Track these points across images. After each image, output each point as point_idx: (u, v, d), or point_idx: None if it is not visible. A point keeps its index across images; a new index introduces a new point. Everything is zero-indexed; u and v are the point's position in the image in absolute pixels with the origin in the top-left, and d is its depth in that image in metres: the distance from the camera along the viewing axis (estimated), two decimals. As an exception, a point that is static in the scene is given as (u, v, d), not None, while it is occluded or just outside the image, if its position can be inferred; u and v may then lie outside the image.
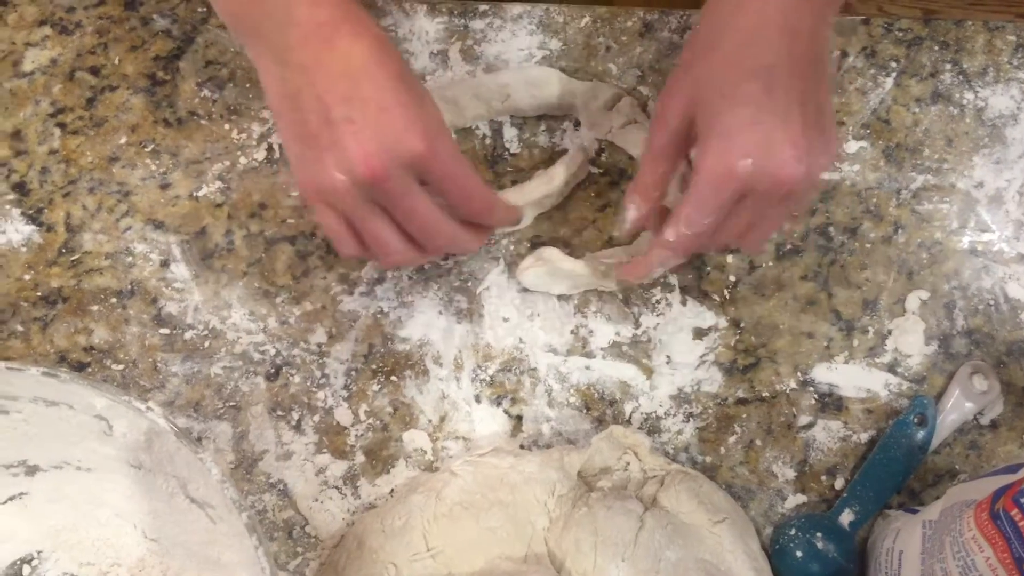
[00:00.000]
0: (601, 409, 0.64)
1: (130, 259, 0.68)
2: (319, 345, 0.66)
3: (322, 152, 0.52)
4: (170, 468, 0.55)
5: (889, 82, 0.70)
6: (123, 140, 0.70)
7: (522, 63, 0.71)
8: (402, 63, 0.54)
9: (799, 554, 0.59)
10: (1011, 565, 0.44)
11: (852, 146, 0.68)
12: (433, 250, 0.58)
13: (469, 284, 0.67)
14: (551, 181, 0.66)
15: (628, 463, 0.61)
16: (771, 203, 0.53)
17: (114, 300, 0.67)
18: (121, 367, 0.65)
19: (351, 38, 0.52)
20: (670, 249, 0.55)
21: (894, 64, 0.70)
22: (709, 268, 0.66)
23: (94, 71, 0.72)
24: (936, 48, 0.71)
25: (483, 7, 0.72)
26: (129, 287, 0.67)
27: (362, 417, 0.64)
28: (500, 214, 0.60)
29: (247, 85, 0.72)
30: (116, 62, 0.73)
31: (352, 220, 0.55)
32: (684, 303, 0.66)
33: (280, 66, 0.53)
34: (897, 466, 0.61)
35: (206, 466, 0.50)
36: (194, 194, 0.69)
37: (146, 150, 0.70)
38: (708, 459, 0.63)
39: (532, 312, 0.66)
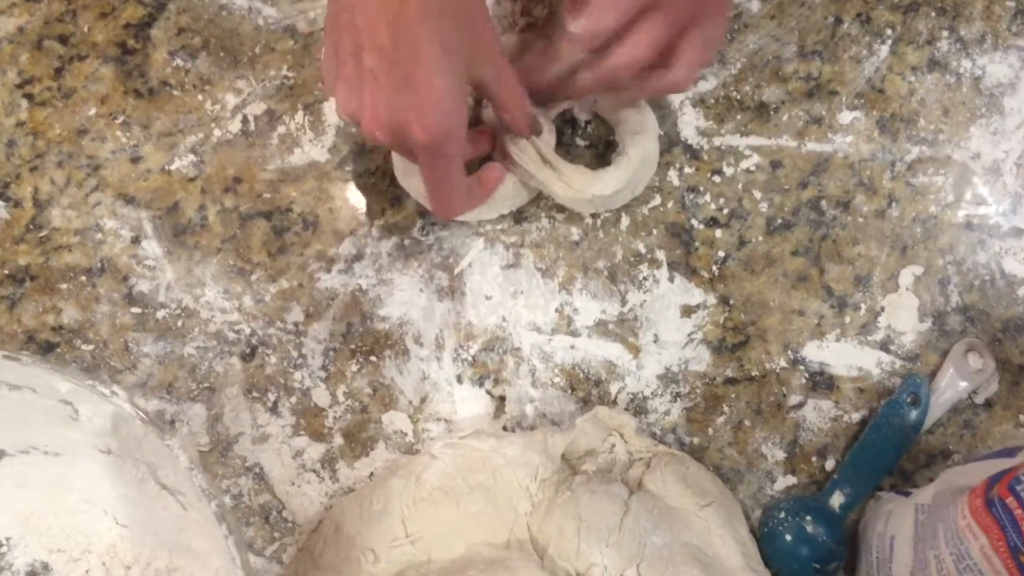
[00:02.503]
0: (586, 389, 0.63)
1: (100, 235, 0.66)
2: (296, 324, 0.64)
3: (339, 79, 0.52)
4: (139, 453, 0.53)
5: (884, 50, 0.68)
6: (92, 112, 0.68)
7: (506, 31, 0.69)
8: (456, 18, 0.50)
9: (788, 538, 0.57)
10: (1006, 554, 0.43)
11: (845, 116, 0.66)
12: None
13: (451, 261, 0.65)
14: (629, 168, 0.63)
15: (613, 445, 0.60)
16: (682, 14, 0.53)
17: (83, 278, 0.65)
18: (91, 347, 0.63)
19: None
20: (575, 41, 0.54)
21: (889, 31, 0.68)
22: (697, 244, 0.64)
23: (62, 39, 0.70)
24: (933, 14, 0.68)
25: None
26: (99, 264, 0.65)
27: (340, 398, 0.63)
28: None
29: (221, 54, 0.69)
30: (85, 30, 0.70)
31: None
32: (672, 280, 0.64)
33: None
34: (889, 447, 0.60)
35: (174, 453, 0.48)
36: (166, 168, 0.67)
37: (116, 122, 0.68)
38: (696, 440, 0.62)
39: (515, 290, 0.64)
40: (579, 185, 0.62)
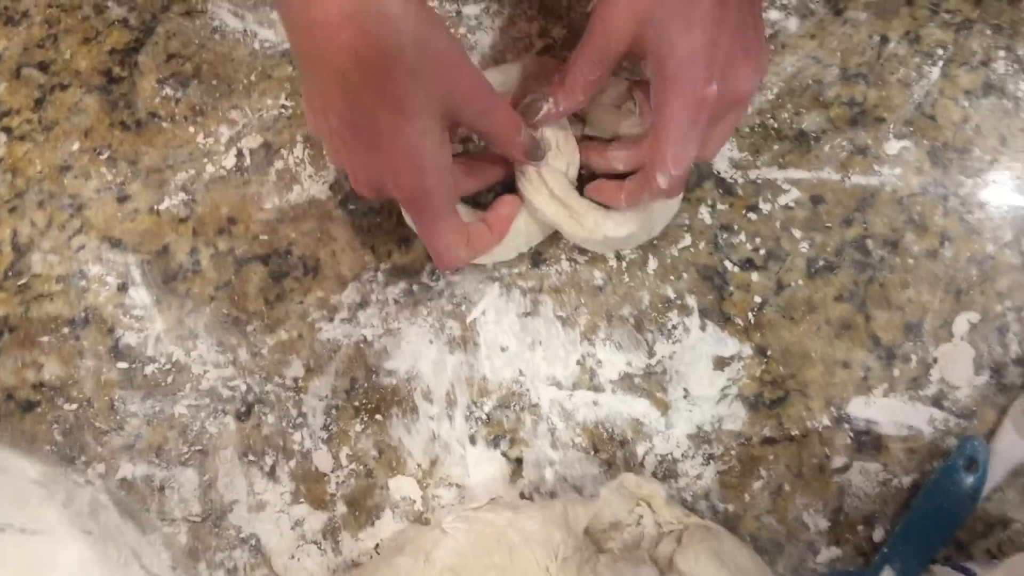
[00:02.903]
0: (610, 451, 0.58)
1: (84, 283, 0.62)
2: (295, 379, 0.60)
3: (321, 131, 0.51)
4: (120, 538, 0.49)
5: (935, 72, 0.62)
6: (75, 146, 0.64)
7: (521, 54, 0.63)
8: (413, 75, 0.45)
9: (834, 622, 0.53)
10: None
11: (893, 146, 0.61)
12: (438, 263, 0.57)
13: (463, 308, 0.60)
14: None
15: (641, 516, 0.55)
16: (725, 114, 0.53)
17: (66, 330, 0.61)
18: (74, 406, 0.60)
19: (354, 33, 0.43)
20: (664, 194, 0.54)
21: (941, 51, 0.62)
22: (731, 288, 0.59)
23: (43, 67, 0.66)
24: (988, 32, 0.62)
25: (476, -10, 0.65)
26: (83, 315, 0.61)
27: (344, 462, 0.58)
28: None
29: (214, 82, 0.64)
30: (67, 56, 0.66)
31: None
32: (703, 328, 0.59)
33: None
34: (944, 517, 0.55)
35: (155, 550, 0.43)
36: (155, 208, 0.63)
37: (101, 157, 0.64)
38: (730, 507, 0.57)
39: (533, 340, 0.60)
40: (591, 224, 0.57)
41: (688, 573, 0.52)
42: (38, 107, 0.65)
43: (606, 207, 0.58)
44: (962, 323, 0.58)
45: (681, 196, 0.60)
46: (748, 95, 0.52)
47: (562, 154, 0.58)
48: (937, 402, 0.58)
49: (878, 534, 0.56)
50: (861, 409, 0.58)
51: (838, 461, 0.57)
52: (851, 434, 0.57)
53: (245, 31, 0.65)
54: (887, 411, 0.58)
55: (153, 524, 0.46)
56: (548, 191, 0.57)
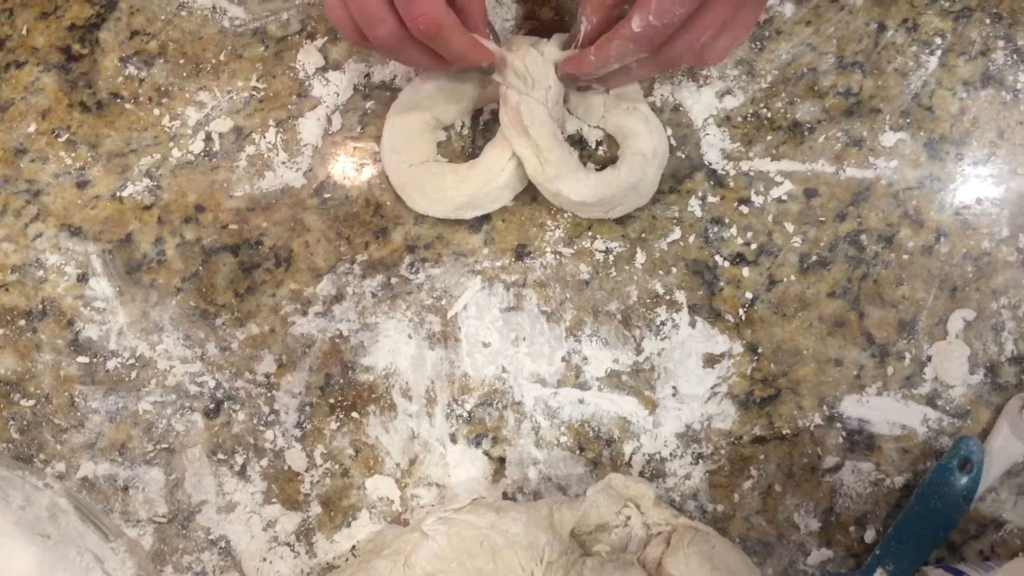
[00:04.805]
0: (597, 450, 0.56)
1: (41, 273, 0.60)
2: (267, 375, 0.58)
3: None
4: (81, 542, 0.46)
5: (933, 62, 0.60)
6: (32, 128, 0.62)
7: (507, 37, 0.61)
8: None
9: (827, 629, 0.51)
10: None
11: (889, 138, 0.59)
12: (411, 23, 0.49)
13: (443, 302, 0.59)
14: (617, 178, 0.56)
15: (629, 517, 0.53)
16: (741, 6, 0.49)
17: (22, 322, 0.59)
18: (32, 403, 0.58)
19: None
20: (633, 41, 0.50)
21: (939, 40, 0.61)
22: (722, 284, 0.58)
23: None
24: (987, 21, 0.61)
25: (459, -31, 0.62)
26: (40, 306, 0.59)
27: (318, 461, 0.57)
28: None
29: (180, 61, 0.62)
30: (23, 32, 0.63)
31: None
32: (693, 325, 0.58)
33: None
34: (937, 518, 0.54)
35: (119, 557, 0.41)
36: (117, 194, 0.61)
37: (60, 140, 0.62)
38: (720, 508, 0.56)
39: (517, 336, 0.58)
40: (552, 173, 0.56)
41: (678, 578, 0.50)
42: (-8, 85, 0.61)
43: (578, 166, 0.56)
44: (957, 321, 0.58)
45: (655, 188, 0.58)
46: None
47: (540, 85, 0.56)
48: (931, 401, 0.57)
49: (870, 535, 0.55)
50: (854, 408, 0.57)
51: (830, 461, 0.56)
52: (843, 433, 0.57)
53: (214, 7, 0.63)
54: (880, 410, 0.57)
55: (117, 530, 0.44)
56: (523, 125, 0.55)
